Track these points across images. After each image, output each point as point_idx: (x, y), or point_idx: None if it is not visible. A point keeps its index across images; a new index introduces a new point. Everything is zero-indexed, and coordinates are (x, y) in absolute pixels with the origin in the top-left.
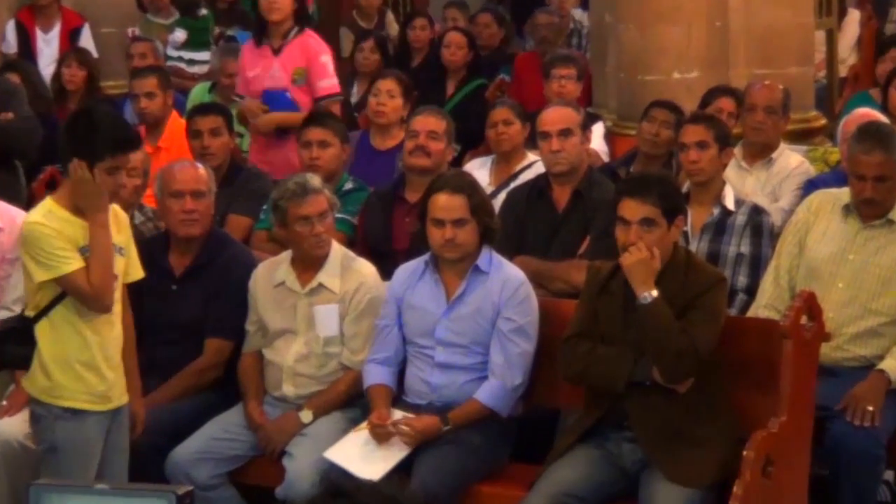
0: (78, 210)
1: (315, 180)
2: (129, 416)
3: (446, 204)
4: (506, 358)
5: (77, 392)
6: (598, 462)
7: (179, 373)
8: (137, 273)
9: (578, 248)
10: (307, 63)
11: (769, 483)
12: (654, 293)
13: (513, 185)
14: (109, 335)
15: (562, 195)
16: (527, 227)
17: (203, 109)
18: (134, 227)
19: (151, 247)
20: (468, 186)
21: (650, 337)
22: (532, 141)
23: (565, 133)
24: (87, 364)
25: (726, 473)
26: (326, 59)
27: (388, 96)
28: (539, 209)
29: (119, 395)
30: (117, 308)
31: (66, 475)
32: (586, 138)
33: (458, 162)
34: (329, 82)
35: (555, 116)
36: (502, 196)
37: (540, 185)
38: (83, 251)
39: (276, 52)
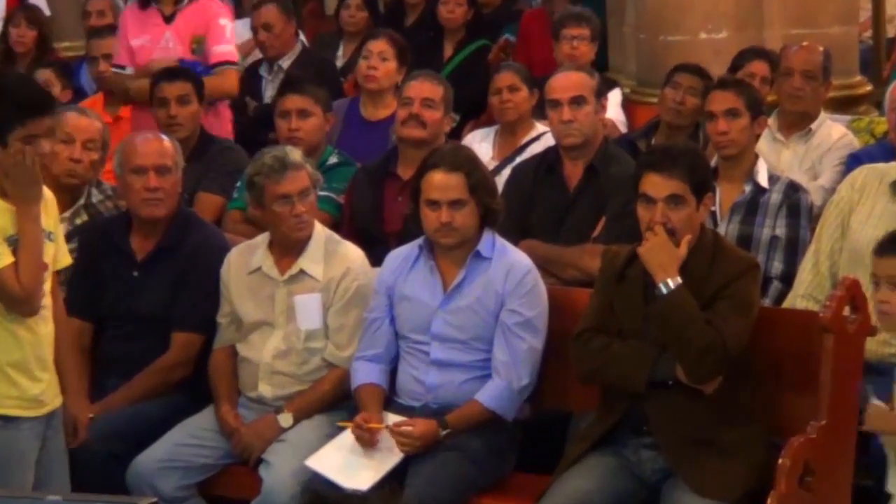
0: (3, 192)
1: (295, 154)
2: (68, 420)
3: (442, 183)
4: (510, 355)
5: (8, 398)
6: (614, 472)
7: (142, 371)
8: (66, 259)
9: (592, 230)
10: (206, 29)
11: (807, 495)
12: (677, 281)
13: (519, 159)
14: (43, 332)
15: (574, 171)
16: (534, 207)
17: (169, 74)
18: (91, 206)
19: (110, 228)
20: (466, 162)
21: (672, 331)
22: (540, 110)
23: (578, 101)
24: (19, 366)
25: (759, 484)
26: (225, 21)
27: (379, 59)
28: (548, 187)
29: (52, 398)
30: (47, 301)
31: (1, 487)
32: (601, 107)
33: (456, 133)
34: (225, 48)
35: (566, 82)
36: (507, 172)
37: (549, 160)
38: (10, 241)
39: (168, 19)
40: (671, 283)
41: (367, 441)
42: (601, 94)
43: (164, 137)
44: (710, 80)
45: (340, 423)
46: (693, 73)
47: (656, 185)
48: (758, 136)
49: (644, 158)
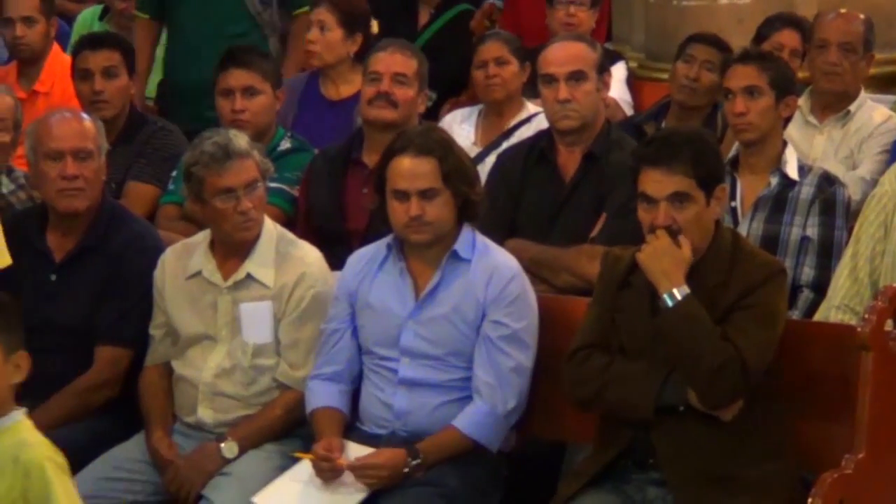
0: None
1: (240, 140)
2: None
3: (410, 170)
4: (494, 374)
5: None
6: None
7: (60, 391)
8: (3, 259)
9: (590, 229)
10: None
11: None
12: (684, 289)
13: (506, 144)
14: None
15: (570, 159)
16: (523, 201)
17: (94, 42)
18: (1, 197)
19: (23, 223)
20: (438, 146)
21: (681, 348)
22: (532, 87)
23: (576, 77)
24: None
25: None
26: None
27: (319, 29)
28: (539, 178)
29: None
30: None
31: None
32: (604, 84)
33: (433, 114)
34: None
35: (563, 54)
36: (491, 160)
37: (541, 146)
38: None
39: None
40: (677, 293)
41: (329, 475)
42: (604, 69)
43: (85, 116)
44: (729, 52)
45: (296, 454)
46: (710, 44)
47: (656, 181)
48: (786, 120)
49: (640, 152)
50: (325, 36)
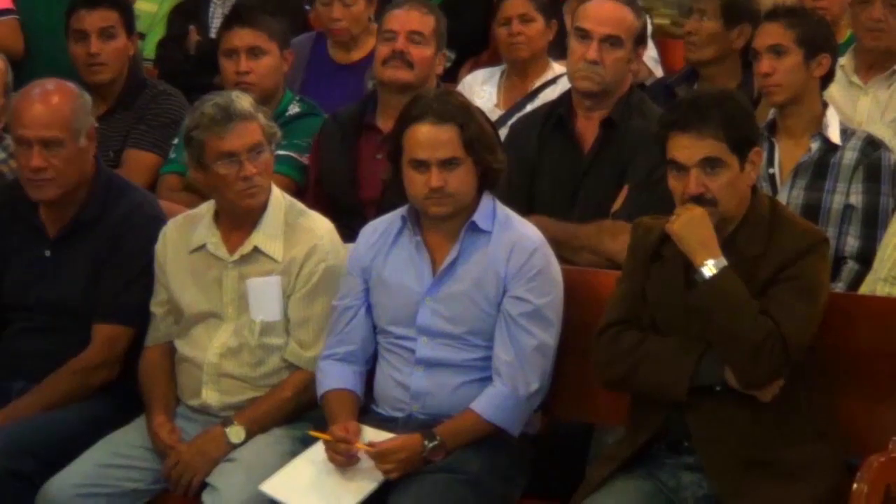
0: None
1: (243, 101)
2: None
3: (430, 138)
4: (516, 353)
5: None
6: (647, 499)
7: (55, 372)
8: None
9: (612, 202)
10: None
11: None
12: (721, 261)
13: (530, 106)
14: None
15: (588, 127)
16: (540, 174)
17: (89, 1)
18: None
19: (15, 196)
20: (459, 112)
21: (718, 324)
22: (558, 46)
23: (612, 41)
24: None
25: None
26: None
27: (341, 5)
28: (557, 148)
29: None
30: None
31: None
32: (637, 56)
33: (451, 75)
34: None
35: (604, 14)
36: None
37: (558, 113)
38: None
39: None
40: (714, 265)
41: (342, 460)
42: (641, 41)
43: (68, 90)
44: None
45: (312, 433)
46: None
47: (686, 148)
48: (823, 80)
49: (667, 117)
50: (351, 10)
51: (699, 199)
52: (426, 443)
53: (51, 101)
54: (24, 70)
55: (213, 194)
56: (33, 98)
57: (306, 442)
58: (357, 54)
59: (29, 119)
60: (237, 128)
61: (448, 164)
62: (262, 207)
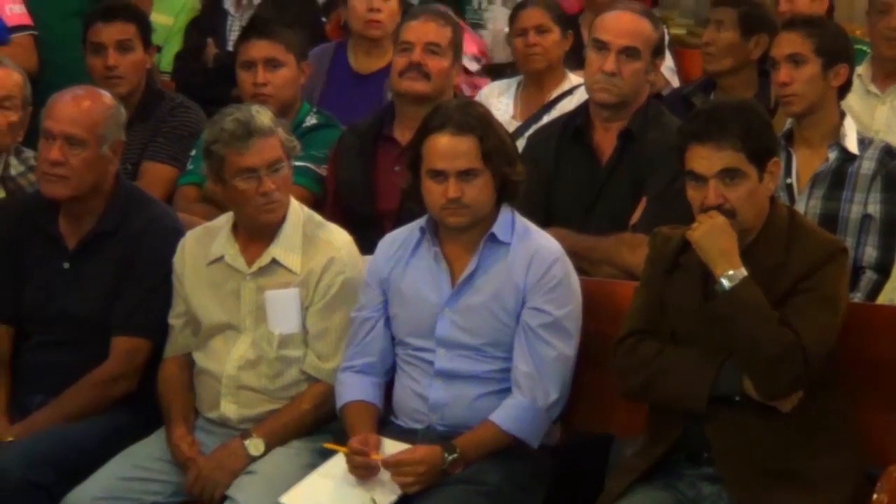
0: None
1: (263, 116)
2: None
3: (449, 149)
4: (535, 365)
5: None
6: None
7: (75, 385)
8: None
9: (630, 214)
10: None
11: None
12: (741, 272)
13: (546, 118)
14: None
15: (606, 139)
16: (557, 185)
17: (106, 14)
18: (9, 180)
19: (34, 208)
20: (478, 123)
21: (738, 334)
22: (575, 57)
23: (630, 53)
24: None
25: None
26: None
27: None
28: (574, 160)
29: None
30: None
31: None
32: (655, 67)
33: None
34: (17, 9)
35: (622, 25)
36: None
37: (576, 124)
38: None
39: None
40: (735, 275)
41: (362, 471)
42: (659, 53)
43: (102, 98)
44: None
45: (327, 446)
46: (726, 3)
47: (705, 159)
48: (841, 90)
49: (685, 128)
50: (389, 5)
51: (718, 210)
52: (446, 456)
53: (83, 103)
54: (41, 83)
55: (232, 207)
56: (69, 96)
57: (325, 454)
58: (377, 63)
59: (58, 113)
60: (257, 144)
61: (466, 174)
62: (281, 220)
